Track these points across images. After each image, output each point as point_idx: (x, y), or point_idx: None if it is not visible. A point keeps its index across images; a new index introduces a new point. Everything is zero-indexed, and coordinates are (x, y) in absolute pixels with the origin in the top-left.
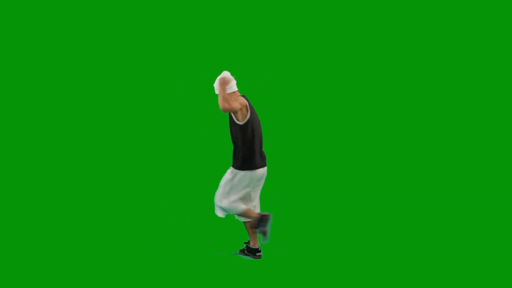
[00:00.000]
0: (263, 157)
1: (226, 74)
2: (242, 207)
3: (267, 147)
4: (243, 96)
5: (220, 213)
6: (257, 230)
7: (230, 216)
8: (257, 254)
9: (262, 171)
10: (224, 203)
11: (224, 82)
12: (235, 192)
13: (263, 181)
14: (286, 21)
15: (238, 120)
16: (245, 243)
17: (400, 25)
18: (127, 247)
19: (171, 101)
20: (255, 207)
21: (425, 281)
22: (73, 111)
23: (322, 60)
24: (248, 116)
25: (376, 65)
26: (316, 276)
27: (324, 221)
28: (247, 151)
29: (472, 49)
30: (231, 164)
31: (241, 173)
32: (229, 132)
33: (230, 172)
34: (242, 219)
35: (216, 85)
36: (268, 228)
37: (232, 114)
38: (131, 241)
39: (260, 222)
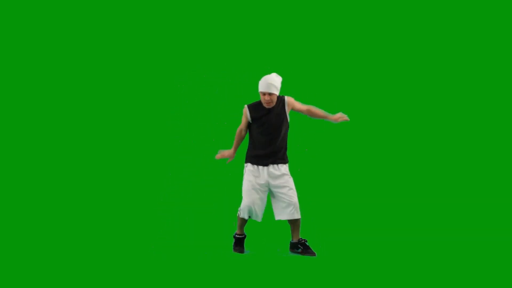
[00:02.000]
0: None
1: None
2: None
3: None
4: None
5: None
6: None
7: (229, 215)
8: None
9: None
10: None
11: None
12: None
13: None
14: (287, 20)
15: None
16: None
17: (401, 25)
18: (127, 247)
19: (171, 101)
20: None
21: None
22: (72, 111)
23: (323, 60)
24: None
25: (379, 64)
26: (317, 275)
27: (325, 220)
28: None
29: (475, 49)
30: (280, 162)
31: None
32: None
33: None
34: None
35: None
36: None
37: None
38: (131, 241)
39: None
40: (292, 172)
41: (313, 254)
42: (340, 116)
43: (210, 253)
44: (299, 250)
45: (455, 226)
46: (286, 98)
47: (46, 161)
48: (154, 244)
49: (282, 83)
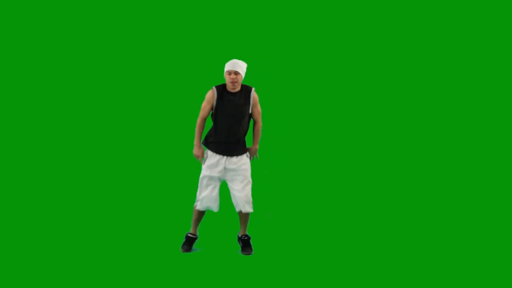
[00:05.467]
0: None
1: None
2: None
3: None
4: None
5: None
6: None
7: (228, 213)
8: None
9: None
10: None
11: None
12: None
13: None
14: (287, 20)
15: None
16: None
17: (401, 24)
18: (126, 246)
19: (172, 100)
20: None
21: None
22: (73, 112)
23: (321, 60)
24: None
25: (377, 64)
26: (314, 273)
27: (321, 219)
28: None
29: (472, 49)
30: (242, 153)
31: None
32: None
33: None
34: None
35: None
36: None
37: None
38: (130, 241)
39: None
40: (258, 172)
41: (249, 252)
42: (255, 152)
43: (209, 251)
44: (240, 245)
45: (452, 222)
46: (253, 90)
47: (45, 161)
48: (155, 244)
49: (282, 81)
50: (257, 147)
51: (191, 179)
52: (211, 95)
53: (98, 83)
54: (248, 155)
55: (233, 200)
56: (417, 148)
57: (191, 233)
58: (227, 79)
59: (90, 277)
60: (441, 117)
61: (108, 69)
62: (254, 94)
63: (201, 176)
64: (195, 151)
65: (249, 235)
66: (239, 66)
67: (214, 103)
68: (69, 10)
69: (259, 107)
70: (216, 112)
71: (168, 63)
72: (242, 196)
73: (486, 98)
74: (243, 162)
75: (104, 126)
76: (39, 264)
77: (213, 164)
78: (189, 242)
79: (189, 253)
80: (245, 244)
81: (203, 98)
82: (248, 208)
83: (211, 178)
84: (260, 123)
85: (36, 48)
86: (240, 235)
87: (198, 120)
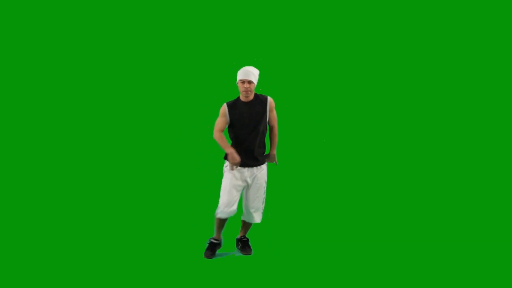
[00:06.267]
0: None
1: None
2: None
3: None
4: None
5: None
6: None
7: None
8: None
9: None
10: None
11: None
12: None
13: None
14: (287, 21)
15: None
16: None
17: (401, 24)
18: (126, 247)
19: (174, 101)
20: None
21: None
22: (76, 112)
23: (321, 60)
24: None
25: (377, 65)
26: (314, 273)
27: (323, 219)
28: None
29: (472, 49)
30: (263, 162)
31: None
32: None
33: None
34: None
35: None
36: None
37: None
38: (130, 242)
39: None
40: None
41: (248, 252)
42: (273, 157)
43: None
44: (239, 246)
45: (453, 222)
46: (269, 98)
47: (46, 161)
48: (156, 244)
49: (282, 82)
50: (275, 152)
51: (191, 180)
52: (223, 109)
53: (102, 86)
54: (266, 163)
55: (243, 206)
56: (418, 148)
57: (214, 238)
58: (241, 88)
59: (90, 277)
60: (442, 117)
61: (111, 71)
62: (270, 100)
63: (225, 186)
64: (233, 157)
65: (247, 237)
66: (252, 74)
67: (228, 116)
68: (83, 15)
69: (275, 113)
70: (232, 124)
71: (171, 65)
72: (252, 206)
73: (486, 98)
74: (263, 172)
75: (108, 128)
76: (40, 264)
77: (236, 176)
78: (212, 248)
79: (211, 258)
80: (245, 244)
81: (206, 99)
82: (256, 219)
83: (235, 187)
84: (276, 128)
85: (41, 50)
86: (239, 237)
87: (216, 133)
